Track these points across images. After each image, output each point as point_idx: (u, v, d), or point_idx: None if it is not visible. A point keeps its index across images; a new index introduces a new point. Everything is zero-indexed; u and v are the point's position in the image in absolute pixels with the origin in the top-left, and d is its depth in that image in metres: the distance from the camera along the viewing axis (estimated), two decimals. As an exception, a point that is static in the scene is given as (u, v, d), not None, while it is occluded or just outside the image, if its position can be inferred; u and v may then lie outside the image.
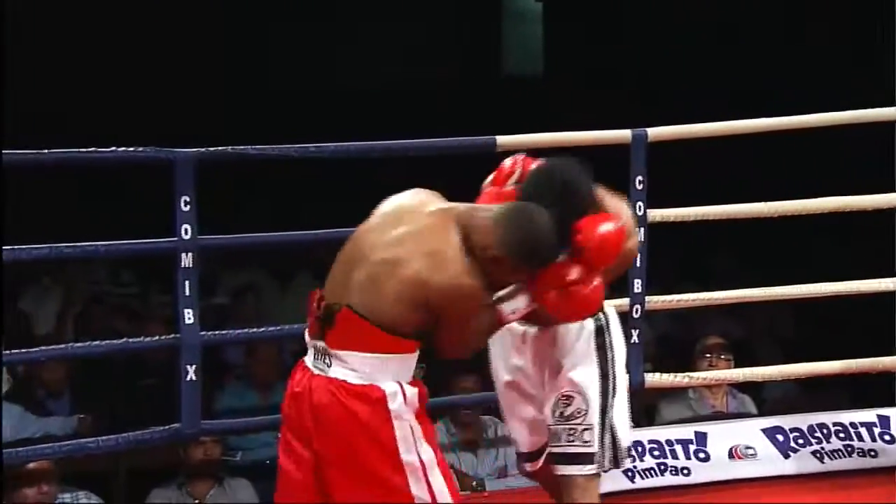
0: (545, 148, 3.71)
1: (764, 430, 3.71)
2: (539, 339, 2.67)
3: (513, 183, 2.58)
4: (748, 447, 3.68)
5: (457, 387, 3.97)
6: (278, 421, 2.48)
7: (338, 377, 2.35)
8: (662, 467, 3.65)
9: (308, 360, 2.42)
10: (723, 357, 4.23)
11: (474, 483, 3.99)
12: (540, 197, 2.44)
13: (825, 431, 3.72)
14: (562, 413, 2.61)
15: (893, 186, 3.73)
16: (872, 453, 3.69)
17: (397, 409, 2.34)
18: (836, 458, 3.68)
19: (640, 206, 3.55)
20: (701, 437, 3.69)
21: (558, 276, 2.41)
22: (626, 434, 2.65)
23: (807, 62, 6.81)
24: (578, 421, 2.60)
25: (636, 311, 3.58)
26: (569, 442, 2.60)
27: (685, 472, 3.65)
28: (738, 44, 7.17)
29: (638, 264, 3.55)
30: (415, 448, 2.35)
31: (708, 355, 4.25)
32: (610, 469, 2.65)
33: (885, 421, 3.75)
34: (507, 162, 2.64)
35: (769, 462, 3.66)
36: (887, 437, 3.72)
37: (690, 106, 4.35)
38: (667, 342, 5.32)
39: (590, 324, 2.64)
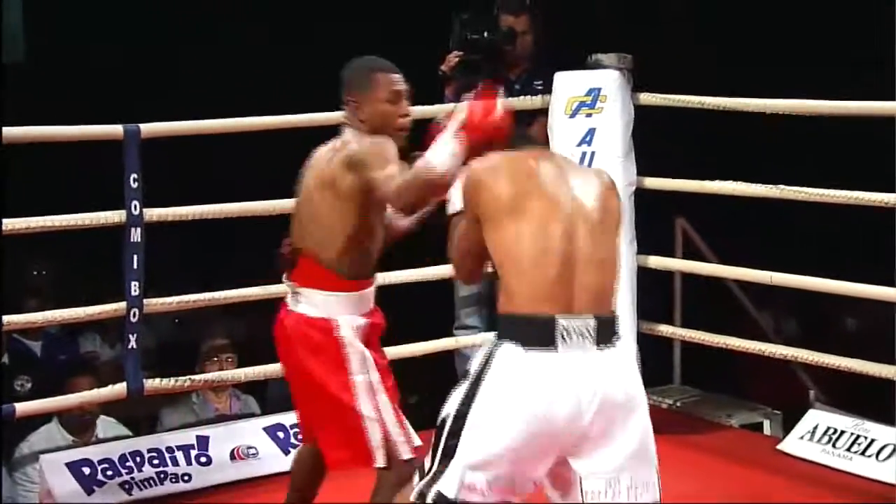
0: (31, 142, 3.50)
1: (266, 429, 3.74)
2: None
3: None
4: (250, 447, 3.68)
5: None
6: None
7: (301, 312, 2.73)
8: (162, 476, 3.55)
9: (287, 298, 2.78)
10: (227, 358, 4.21)
11: None
12: None
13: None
14: None
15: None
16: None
17: (348, 337, 2.69)
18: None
19: (135, 206, 3.44)
20: (203, 441, 3.64)
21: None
22: (452, 485, 2.23)
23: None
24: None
25: (133, 315, 3.46)
26: None
27: (186, 478, 3.59)
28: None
29: (135, 266, 3.43)
30: (366, 371, 2.69)
31: (215, 358, 4.21)
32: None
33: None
34: None
35: (271, 460, 3.69)
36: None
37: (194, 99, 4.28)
38: (171, 347, 5.23)
39: (482, 352, 2.24)
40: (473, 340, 4.10)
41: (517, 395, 2.18)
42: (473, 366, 2.25)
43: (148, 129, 3.49)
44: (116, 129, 3.46)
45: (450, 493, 2.23)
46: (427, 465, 2.30)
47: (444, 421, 2.26)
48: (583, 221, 2.23)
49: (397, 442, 2.68)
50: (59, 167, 5.56)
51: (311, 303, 2.72)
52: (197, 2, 7.04)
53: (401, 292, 4.02)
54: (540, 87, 4.18)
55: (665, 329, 4.25)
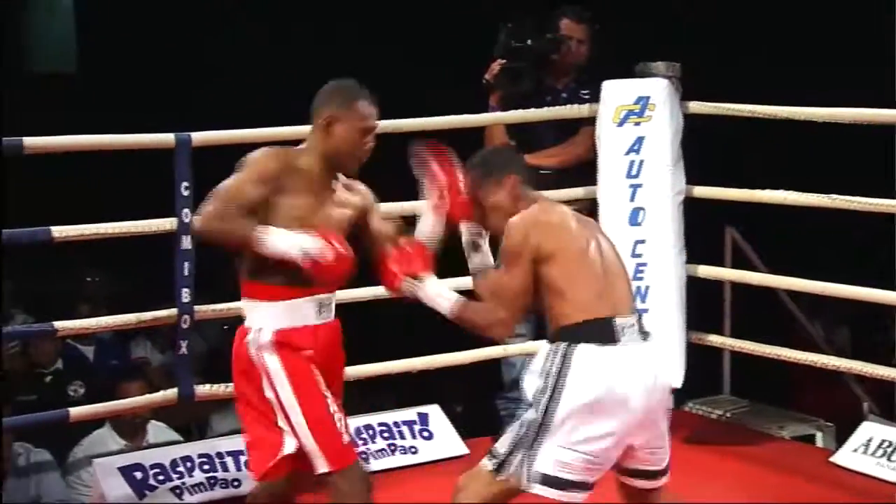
0: (83, 151, 3.55)
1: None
2: None
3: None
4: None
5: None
6: None
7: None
8: (213, 481, 3.58)
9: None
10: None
11: None
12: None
13: (371, 432, 3.83)
14: None
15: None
16: (413, 450, 3.85)
17: (256, 349, 2.68)
18: (381, 458, 3.79)
19: (186, 213, 3.46)
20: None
21: None
22: (548, 464, 2.60)
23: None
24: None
25: (184, 322, 3.48)
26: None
27: (236, 483, 3.62)
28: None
29: (186, 273, 3.46)
30: (272, 386, 2.67)
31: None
32: (522, 487, 2.63)
33: (424, 418, 3.93)
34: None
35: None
36: (426, 434, 3.90)
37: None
38: (221, 353, 5.26)
39: (555, 355, 2.62)
40: (522, 348, 4.09)
41: (603, 381, 2.59)
42: (549, 366, 2.61)
43: (199, 137, 3.52)
44: (168, 138, 3.49)
45: (547, 471, 2.59)
46: (510, 452, 2.62)
47: (527, 415, 2.62)
48: (601, 247, 2.72)
49: (313, 455, 2.66)
50: (111, 175, 5.62)
51: (246, 315, 2.76)
52: (249, 8, 7.11)
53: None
54: (587, 97, 4.17)
55: (714, 339, 4.22)
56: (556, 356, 2.61)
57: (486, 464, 2.66)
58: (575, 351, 2.60)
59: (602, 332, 2.61)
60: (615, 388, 2.58)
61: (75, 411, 3.51)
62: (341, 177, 2.83)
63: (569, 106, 4.17)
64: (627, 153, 4.04)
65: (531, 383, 2.64)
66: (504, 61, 4.13)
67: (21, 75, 7.78)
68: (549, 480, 2.60)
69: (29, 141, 3.33)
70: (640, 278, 4.01)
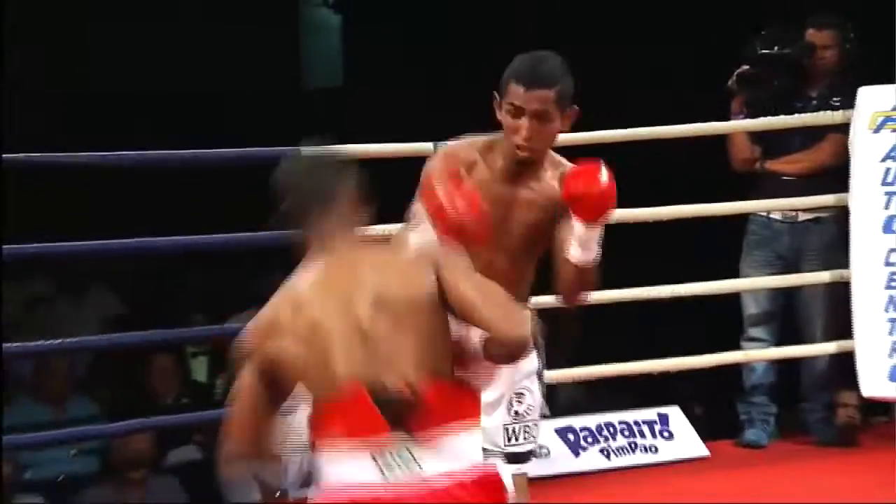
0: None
1: (557, 431, 3.88)
2: None
3: None
4: (542, 447, 3.83)
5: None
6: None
7: (440, 471, 1.78)
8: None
9: (354, 474, 1.83)
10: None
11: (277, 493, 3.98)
12: None
13: (612, 430, 3.92)
14: (516, 411, 2.48)
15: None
16: (654, 449, 3.92)
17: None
18: (621, 455, 3.88)
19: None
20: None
21: None
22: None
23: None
24: (531, 418, 2.52)
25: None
26: (525, 440, 2.52)
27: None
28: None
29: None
30: None
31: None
32: None
33: (664, 418, 3.99)
34: None
35: (561, 460, 3.83)
36: (666, 434, 3.95)
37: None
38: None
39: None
40: (763, 354, 4.08)
41: None
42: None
43: (453, 145, 3.68)
44: (426, 147, 3.68)
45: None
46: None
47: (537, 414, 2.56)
48: None
49: None
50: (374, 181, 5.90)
51: (455, 450, 1.81)
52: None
53: (689, 304, 4.07)
54: (837, 103, 4.10)
55: None
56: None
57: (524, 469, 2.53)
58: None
59: None
60: None
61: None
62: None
63: (819, 112, 4.12)
64: (884, 160, 3.96)
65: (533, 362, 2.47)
66: (746, 67, 4.13)
67: (294, 92, 8.31)
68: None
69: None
70: (895, 287, 3.93)
